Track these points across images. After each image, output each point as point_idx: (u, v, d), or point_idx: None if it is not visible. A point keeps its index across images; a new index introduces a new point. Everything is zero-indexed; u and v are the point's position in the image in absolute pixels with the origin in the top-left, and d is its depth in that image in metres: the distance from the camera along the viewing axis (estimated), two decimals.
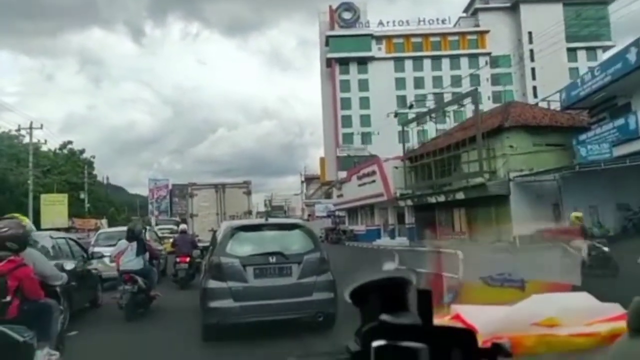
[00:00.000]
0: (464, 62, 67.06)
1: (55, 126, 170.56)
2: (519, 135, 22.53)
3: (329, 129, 69.07)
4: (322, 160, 71.79)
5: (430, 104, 62.83)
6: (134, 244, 8.53)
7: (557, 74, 53.58)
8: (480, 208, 24.44)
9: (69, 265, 7.09)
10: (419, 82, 67.25)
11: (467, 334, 0.66)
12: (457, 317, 1.03)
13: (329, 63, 68.17)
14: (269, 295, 6.07)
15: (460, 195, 24.59)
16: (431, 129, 31.21)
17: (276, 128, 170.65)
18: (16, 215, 5.36)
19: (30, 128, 34.50)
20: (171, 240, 17.83)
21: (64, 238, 9.27)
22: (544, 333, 0.98)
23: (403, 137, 31.50)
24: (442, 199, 26.61)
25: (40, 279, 4.72)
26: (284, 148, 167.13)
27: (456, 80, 63.16)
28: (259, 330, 6.08)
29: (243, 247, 6.47)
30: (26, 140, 47.94)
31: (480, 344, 0.68)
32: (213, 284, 6.19)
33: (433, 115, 29.28)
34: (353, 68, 67.33)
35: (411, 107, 32.79)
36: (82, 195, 45.95)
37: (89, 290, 9.16)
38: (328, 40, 67.06)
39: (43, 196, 35.26)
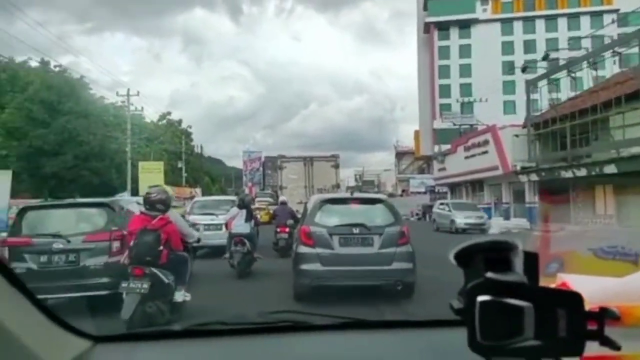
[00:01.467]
0: (585, 21, 57.64)
1: (162, 102, 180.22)
2: None
3: (425, 100, 63.64)
4: (417, 133, 66.52)
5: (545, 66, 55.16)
6: (244, 211, 9.49)
7: None
8: (636, 186, 18.82)
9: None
10: (529, 46, 59.17)
11: (573, 296, 0.64)
12: (563, 285, 0.96)
13: (426, 29, 62.21)
14: (353, 262, 6.42)
15: (610, 169, 19.07)
16: (565, 87, 25.29)
17: (367, 103, 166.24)
18: (160, 184, 7.23)
19: (128, 95, 33.81)
20: (263, 212, 17.93)
21: None
22: None
23: (528, 96, 25.93)
24: (582, 172, 21.12)
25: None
26: (374, 123, 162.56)
27: (574, 42, 55.05)
28: (344, 294, 6.33)
29: (330, 218, 6.88)
30: (133, 112, 48.96)
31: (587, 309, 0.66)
32: (304, 249, 6.65)
33: (573, 69, 23.34)
34: (454, 32, 60.78)
35: (546, 57, 26.71)
36: (179, 165, 45.72)
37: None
38: (426, 3, 60.88)
39: (141, 164, 34.70)
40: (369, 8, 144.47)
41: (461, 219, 22.70)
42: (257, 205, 23.90)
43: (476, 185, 32.39)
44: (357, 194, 8.61)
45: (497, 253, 0.68)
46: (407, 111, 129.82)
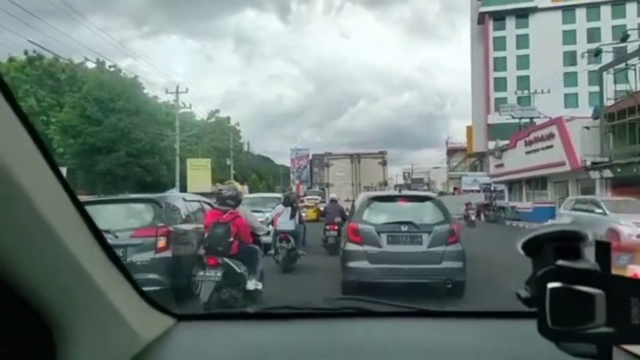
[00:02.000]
0: None
1: (214, 102, 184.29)
2: None
3: (478, 94, 60.55)
4: (469, 129, 63.52)
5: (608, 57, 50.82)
6: (289, 208, 9.69)
7: None
8: None
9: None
10: (593, 34, 54.78)
11: None
12: (634, 276, 0.80)
13: (481, 19, 59.11)
14: (401, 260, 6.28)
15: None
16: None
17: (416, 99, 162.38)
18: (232, 181, 11.29)
19: (177, 92, 33.77)
20: (311, 210, 17.98)
21: (197, 201, 8.54)
22: None
23: (601, 84, 23.42)
24: None
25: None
26: (423, 120, 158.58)
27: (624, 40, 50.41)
28: (391, 292, 6.09)
29: (378, 216, 6.77)
30: (183, 110, 49.58)
31: None
32: (351, 246, 6.57)
33: None
34: (510, 22, 57.35)
35: (625, 38, 23.98)
36: (227, 162, 45.70)
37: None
38: None
39: (189, 160, 34.71)
40: (419, 2, 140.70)
41: (632, 228, 12.98)
42: (305, 202, 24.22)
43: (538, 183, 29.81)
44: (405, 192, 8.55)
45: (566, 242, 0.67)
46: (457, 107, 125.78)
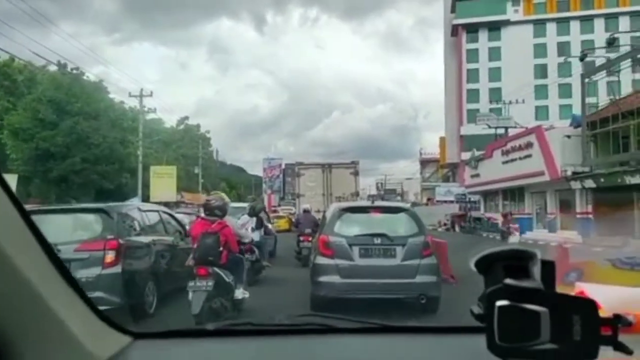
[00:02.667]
0: (624, 21, 53.46)
1: (188, 110, 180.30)
2: None
3: (451, 106, 60.34)
4: (442, 140, 63.10)
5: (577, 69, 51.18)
6: (254, 219, 9.51)
7: None
8: None
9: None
10: (563, 48, 55.11)
11: (588, 303, 0.66)
12: (580, 293, 0.97)
13: (454, 31, 58.98)
14: (373, 275, 6.02)
15: None
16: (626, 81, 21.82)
17: (390, 110, 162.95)
18: (218, 191, 7.54)
19: (140, 96, 31.51)
20: (282, 220, 18.75)
21: (156, 211, 8.02)
22: None
23: (583, 90, 22.53)
24: None
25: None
26: (397, 131, 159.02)
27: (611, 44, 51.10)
28: (362, 307, 5.75)
29: (350, 228, 6.46)
30: (150, 116, 47.01)
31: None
32: (322, 260, 6.26)
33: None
34: (483, 35, 57.39)
35: (611, 43, 23.21)
36: (196, 170, 43.40)
37: (186, 269, 7.77)
38: (454, 5, 57.64)
39: (152, 168, 32.34)
40: (393, 15, 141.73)
41: None
42: (280, 213, 24.58)
43: (515, 193, 28.80)
44: (378, 203, 8.08)
45: (516, 261, 0.69)
46: (430, 119, 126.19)
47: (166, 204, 34.21)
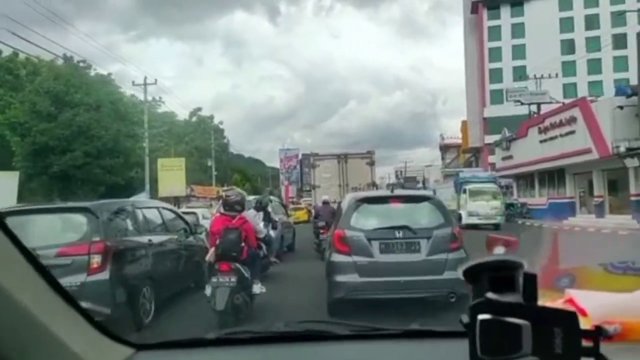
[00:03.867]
0: None
1: (205, 105, 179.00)
2: None
3: (473, 87, 56.56)
4: (464, 124, 59.33)
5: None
6: (261, 213, 8.95)
7: None
8: None
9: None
10: (592, 22, 51.22)
11: (568, 315, 0.66)
12: (569, 300, 0.98)
13: (474, 8, 55.03)
14: (396, 272, 5.34)
15: None
16: None
17: (407, 98, 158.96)
18: (234, 187, 7.62)
19: (145, 84, 29.10)
20: (300, 211, 19.68)
21: (155, 208, 7.20)
22: None
23: None
24: None
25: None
26: (414, 118, 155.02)
27: None
28: (385, 307, 5.25)
29: (368, 220, 5.79)
30: (161, 109, 44.86)
31: (589, 326, 0.69)
32: (338, 257, 5.61)
33: None
34: (505, 11, 53.37)
35: None
36: (209, 162, 41.02)
37: (191, 269, 7.14)
38: None
39: (160, 160, 29.94)
40: (408, 1, 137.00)
41: None
42: (302, 205, 26.00)
43: (554, 175, 25.43)
44: (398, 191, 7.05)
45: (501, 272, 0.69)
46: (448, 105, 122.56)
47: (175, 199, 32.15)
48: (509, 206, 28.30)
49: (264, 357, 1.24)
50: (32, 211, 5.80)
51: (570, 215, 23.23)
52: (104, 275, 4.94)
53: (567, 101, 30.06)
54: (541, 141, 24.73)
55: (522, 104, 30.40)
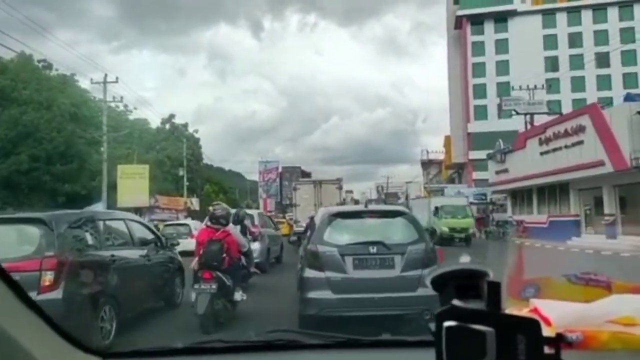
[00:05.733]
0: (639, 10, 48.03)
1: (188, 118, 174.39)
2: None
3: (456, 102, 54.75)
4: (447, 139, 57.13)
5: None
6: (238, 227, 8.92)
7: None
8: None
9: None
10: (575, 39, 50.02)
11: (531, 323, 0.66)
12: (534, 310, 1.00)
13: (458, 24, 53.41)
14: (370, 289, 5.15)
15: None
16: None
17: (389, 115, 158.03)
18: (220, 202, 7.71)
19: (105, 82, 25.48)
20: (283, 225, 21.28)
21: (121, 220, 6.51)
22: (619, 330, 0.94)
23: None
24: None
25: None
26: (395, 135, 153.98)
27: (626, 34, 45.81)
28: (358, 324, 4.92)
29: (341, 235, 5.58)
30: (133, 115, 41.07)
31: (553, 334, 0.70)
32: (310, 273, 5.35)
33: None
34: (489, 26, 51.77)
35: None
36: (180, 172, 37.26)
37: (161, 287, 6.74)
38: None
39: (120, 167, 26.14)
40: (391, 20, 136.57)
41: None
42: (286, 219, 28.41)
43: (556, 190, 22.71)
44: (373, 206, 7.00)
45: (466, 280, 0.70)
46: (428, 122, 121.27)
47: (137, 210, 28.36)
48: (502, 224, 25.54)
49: None
50: None
51: (575, 235, 20.41)
52: (57, 294, 4.43)
53: (550, 119, 27.81)
54: (542, 153, 22.03)
55: (517, 113, 27.83)
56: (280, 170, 62.10)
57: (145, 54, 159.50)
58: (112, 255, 5.38)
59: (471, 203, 33.29)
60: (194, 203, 34.54)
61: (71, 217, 5.35)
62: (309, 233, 6.49)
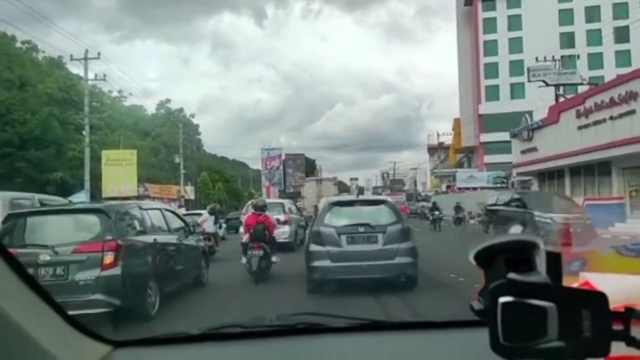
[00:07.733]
0: None
1: (192, 107, 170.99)
2: None
3: (466, 83, 51.36)
4: (457, 122, 53.79)
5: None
6: (212, 217, 12.47)
7: None
8: None
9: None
10: (592, 13, 46.20)
11: (598, 296, 0.60)
12: (585, 283, 0.92)
13: (468, 0, 49.58)
14: (359, 258, 6.63)
15: None
16: None
17: (394, 101, 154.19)
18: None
19: (86, 59, 22.44)
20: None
21: (157, 209, 7.50)
22: None
23: None
24: None
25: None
26: (400, 122, 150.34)
27: None
28: (351, 288, 6.51)
29: (338, 219, 7.07)
30: (128, 102, 38.24)
31: (611, 308, 0.63)
32: (315, 247, 6.85)
33: None
34: (501, 2, 48.31)
35: None
36: (177, 159, 34.38)
37: (190, 267, 7.57)
38: None
39: (105, 153, 23.24)
40: (395, 5, 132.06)
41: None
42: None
43: (594, 170, 19.60)
44: (362, 197, 10.16)
45: (518, 253, 0.63)
46: (433, 109, 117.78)
47: (124, 200, 25.59)
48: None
49: (254, 352, 1.16)
50: (51, 212, 6.31)
51: (619, 221, 17.32)
52: (116, 270, 5.18)
53: (567, 97, 24.60)
54: (580, 127, 18.88)
55: (547, 85, 24.58)
56: (283, 157, 59.04)
57: (148, 43, 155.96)
58: (155, 240, 6.17)
59: (476, 188, 30.28)
60: (189, 192, 31.74)
61: (123, 207, 6.34)
62: (314, 217, 8.20)
